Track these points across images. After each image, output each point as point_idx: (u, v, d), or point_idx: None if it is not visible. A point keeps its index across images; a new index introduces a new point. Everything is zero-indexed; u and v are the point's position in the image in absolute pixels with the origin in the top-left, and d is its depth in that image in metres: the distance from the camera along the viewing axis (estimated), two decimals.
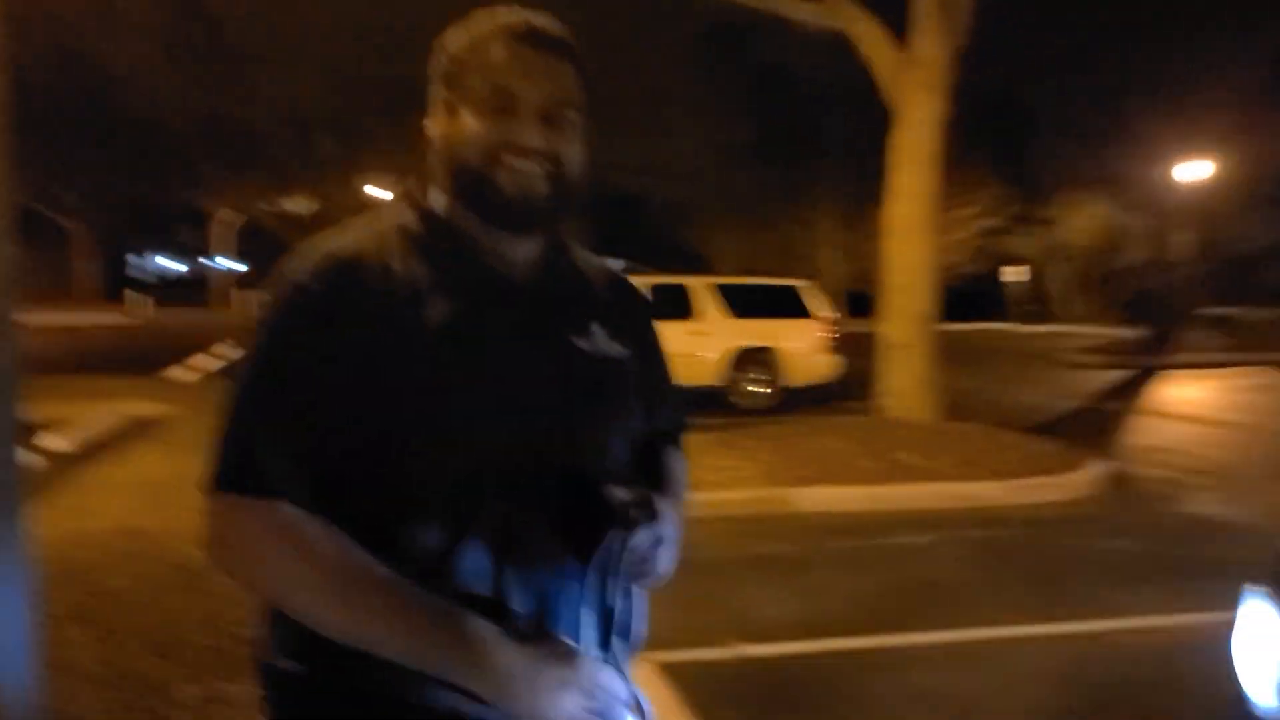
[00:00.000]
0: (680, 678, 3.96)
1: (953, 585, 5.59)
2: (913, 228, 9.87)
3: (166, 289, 48.35)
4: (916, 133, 9.75)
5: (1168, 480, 8.42)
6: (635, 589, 1.28)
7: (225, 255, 41.97)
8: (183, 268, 60.19)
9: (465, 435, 1.16)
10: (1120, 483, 8.24)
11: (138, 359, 16.53)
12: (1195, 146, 20.02)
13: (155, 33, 18.08)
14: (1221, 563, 6.12)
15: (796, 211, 33.82)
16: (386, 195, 21.35)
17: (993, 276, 32.06)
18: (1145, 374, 17.32)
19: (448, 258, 1.23)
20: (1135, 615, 5.06)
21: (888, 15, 9.99)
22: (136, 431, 9.49)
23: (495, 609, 1.14)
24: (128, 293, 37.10)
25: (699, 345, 12.03)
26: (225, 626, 4.33)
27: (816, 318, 12.61)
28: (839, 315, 13.28)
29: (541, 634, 1.13)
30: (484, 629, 1.09)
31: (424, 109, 1.30)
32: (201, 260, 47.12)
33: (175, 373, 15.76)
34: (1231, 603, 5.16)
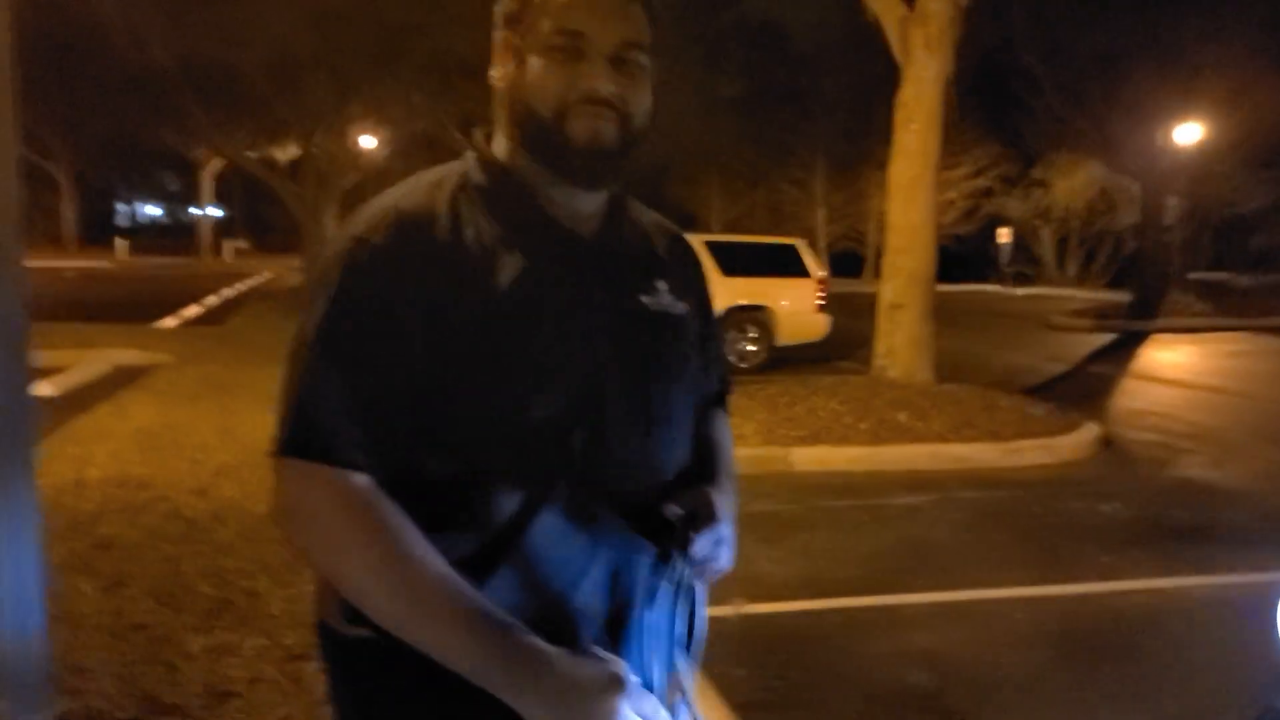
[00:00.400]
0: None
1: (949, 546, 5.67)
2: (915, 186, 9.77)
3: (154, 236, 48.02)
4: (921, 89, 9.66)
5: (1158, 444, 8.50)
6: (698, 586, 1.25)
7: (214, 204, 41.66)
8: (166, 216, 59.62)
9: (534, 395, 1.13)
10: (1111, 446, 8.33)
11: (128, 306, 16.45)
12: (1188, 110, 19.92)
13: None
14: (1211, 526, 6.23)
15: (786, 171, 33.66)
16: (373, 143, 21.17)
17: (983, 237, 31.97)
18: (1133, 338, 17.41)
19: (515, 212, 1.20)
20: (1127, 578, 5.14)
21: None
22: (126, 379, 9.47)
23: (562, 602, 1.13)
24: (117, 241, 36.73)
25: None
26: (230, 578, 4.37)
27: (813, 277, 12.62)
28: (827, 274, 13.30)
29: (598, 655, 1.07)
30: (541, 648, 1.04)
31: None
32: (191, 209, 46.70)
33: (166, 322, 15.72)
34: (1222, 565, 5.25)
